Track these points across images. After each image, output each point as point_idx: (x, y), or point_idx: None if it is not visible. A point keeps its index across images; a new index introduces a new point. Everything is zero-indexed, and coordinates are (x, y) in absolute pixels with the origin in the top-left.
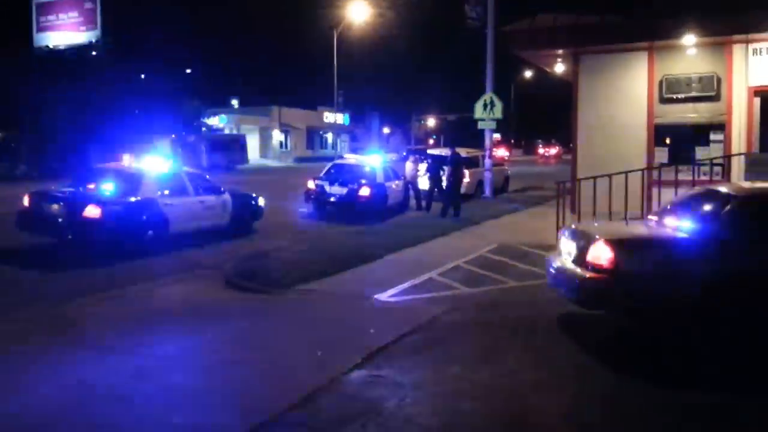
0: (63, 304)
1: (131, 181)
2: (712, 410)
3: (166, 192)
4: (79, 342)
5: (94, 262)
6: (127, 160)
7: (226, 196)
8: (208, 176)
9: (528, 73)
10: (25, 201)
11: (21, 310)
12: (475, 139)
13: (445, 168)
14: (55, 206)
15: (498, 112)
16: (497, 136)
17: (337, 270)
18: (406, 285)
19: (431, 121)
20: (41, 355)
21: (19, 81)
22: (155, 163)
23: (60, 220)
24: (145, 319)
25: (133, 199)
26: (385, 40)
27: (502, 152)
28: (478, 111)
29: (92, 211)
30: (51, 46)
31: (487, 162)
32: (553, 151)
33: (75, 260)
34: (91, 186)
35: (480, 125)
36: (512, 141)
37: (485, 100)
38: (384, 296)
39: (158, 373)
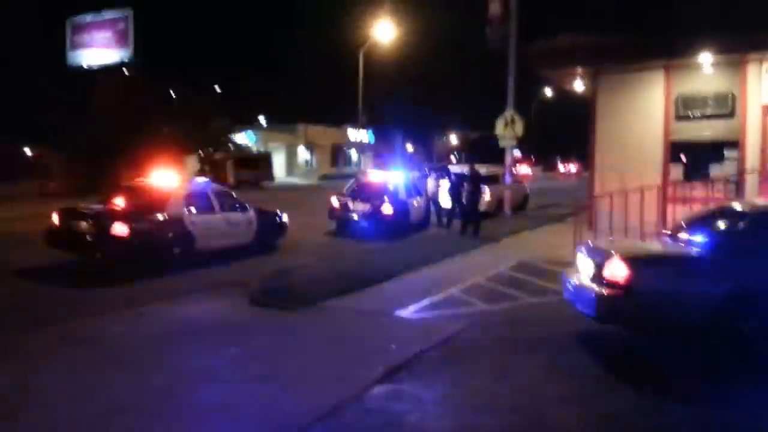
0: (90, 320)
1: (158, 198)
2: (728, 425)
3: (193, 209)
4: (104, 358)
5: (121, 279)
6: (155, 178)
7: (252, 213)
8: (234, 193)
9: (549, 91)
10: (54, 218)
11: (49, 326)
12: (497, 156)
13: (465, 185)
14: (84, 223)
15: (519, 129)
16: (518, 153)
17: (359, 286)
18: (427, 301)
19: (454, 139)
20: (68, 371)
21: (50, 99)
22: (181, 180)
23: (88, 237)
24: (171, 335)
25: (160, 216)
26: (409, 59)
27: (524, 169)
28: (499, 128)
29: (120, 229)
30: (85, 66)
31: (507, 179)
32: (573, 167)
33: (102, 277)
34: (119, 203)
35: (501, 143)
36: (533, 158)
37: (506, 118)
38: (406, 312)
39: (184, 389)
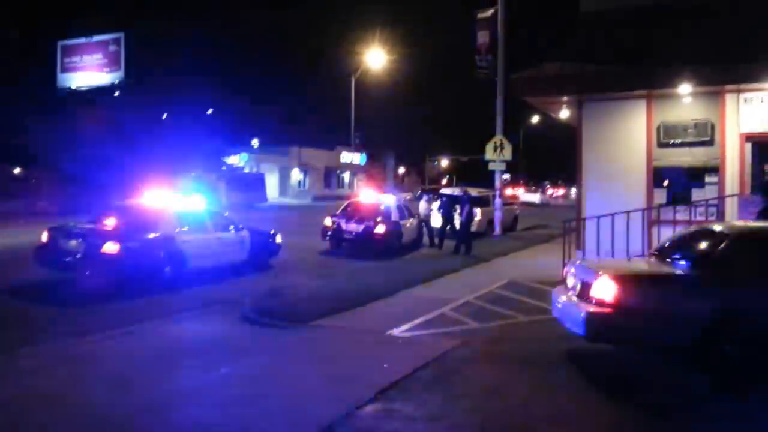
0: (80, 339)
1: (150, 217)
2: None
3: (185, 229)
4: (96, 377)
5: (111, 298)
6: (147, 198)
7: (244, 233)
8: (227, 213)
9: (536, 117)
10: (44, 236)
11: (38, 345)
12: (487, 179)
13: (457, 207)
14: (74, 242)
15: (507, 153)
16: (507, 176)
17: (352, 305)
18: (419, 320)
19: (445, 162)
20: (56, 391)
21: (41, 119)
22: (176, 200)
23: (78, 255)
24: (161, 354)
25: (151, 235)
26: (401, 84)
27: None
28: (489, 152)
29: (110, 248)
30: (74, 87)
31: (497, 201)
32: (561, 191)
33: (93, 296)
34: (110, 222)
35: (490, 166)
36: (521, 181)
37: (495, 142)
38: (397, 331)
39: (172, 408)
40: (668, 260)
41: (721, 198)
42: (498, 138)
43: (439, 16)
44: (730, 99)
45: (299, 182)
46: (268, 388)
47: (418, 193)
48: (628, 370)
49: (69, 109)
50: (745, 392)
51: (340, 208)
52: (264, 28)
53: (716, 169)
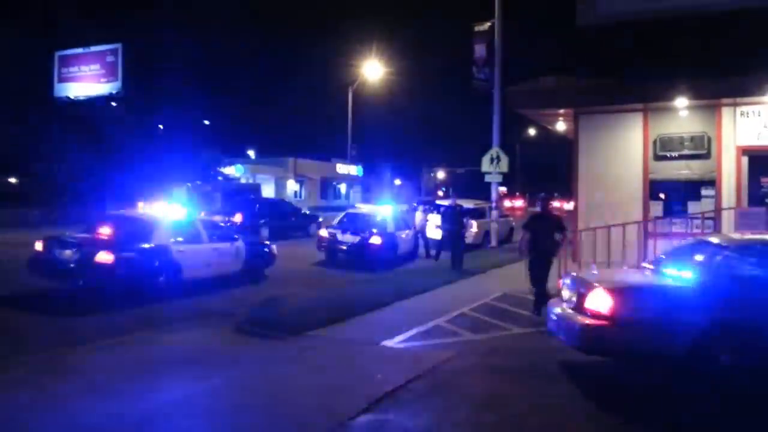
0: (72, 349)
1: (144, 227)
2: None
3: (180, 239)
4: (86, 387)
5: (105, 308)
6: (142, 207)
7: (239, 243)
8: (222, 223)
9: (533, 129)
10: (39, 246)
11: (30, 355)
12: (484, 191)
13: (450, 219)
14: (68, 252)
15: (504, 165)
16: (503, 189)
17: (346, 316)
18: (413, 331)
19: (441, 174)
20: (50, 401)
21: (37, 128)
22: (169, 210)
23: (72, 265)
24: (155, 364)
25: (145, 245)
26: (398, 96)
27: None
28: (485, 165)
29: (105, 257)
30: (71, 97)
31: (494, 213)
32: (556, 204)
33: (86, 306)
34: (105, 232)
35: (487, 178)
36: (517, 193)
37: (492, 155)
38: (392, 342)
39: (167, 419)
40: (664, 272)
41: (718, 211)
42: (494, 150)
43: (437, 28)
44: (726, 112)
45: (295, 193)
46: (262, 398)
47: (414, 204)
48: (623, 381)
49: (65, 119)
50: (743, 402)
51: (336, 219)
52: (262, 40)
53: (712, 182)
